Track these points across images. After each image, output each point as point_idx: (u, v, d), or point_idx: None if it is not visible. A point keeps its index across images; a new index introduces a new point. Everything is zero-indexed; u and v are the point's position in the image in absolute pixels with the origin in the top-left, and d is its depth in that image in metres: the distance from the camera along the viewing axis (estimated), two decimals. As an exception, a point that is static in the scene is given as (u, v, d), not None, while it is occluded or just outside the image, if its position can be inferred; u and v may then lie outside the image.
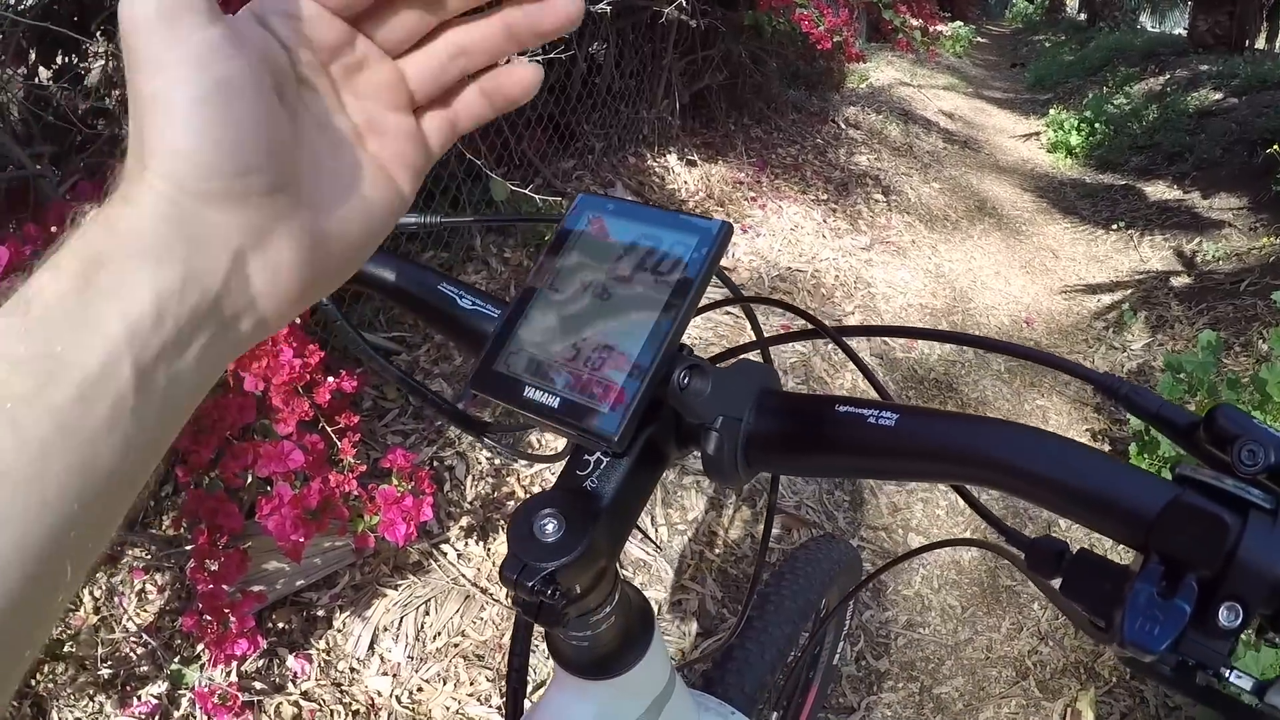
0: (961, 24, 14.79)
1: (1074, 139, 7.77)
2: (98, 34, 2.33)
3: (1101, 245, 5.62)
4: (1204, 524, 0.39)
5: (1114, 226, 5.80)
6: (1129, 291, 4.78)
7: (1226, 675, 0.39)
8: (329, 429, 1.74)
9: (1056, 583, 0.46)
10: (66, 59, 2.35)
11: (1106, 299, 4.78)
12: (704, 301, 0.61)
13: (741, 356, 0.56)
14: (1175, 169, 6.60)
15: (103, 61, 2.49)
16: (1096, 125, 7.85)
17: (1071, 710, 2.28)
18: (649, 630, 0.69)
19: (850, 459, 0.50)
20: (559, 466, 0.60)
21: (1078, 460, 0.43)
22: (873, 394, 0.61)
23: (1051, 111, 8.89)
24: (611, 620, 0.63)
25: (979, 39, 15.93)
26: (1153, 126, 7.58)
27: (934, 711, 2.26)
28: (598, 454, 0.56)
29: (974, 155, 7.42)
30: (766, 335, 0.68)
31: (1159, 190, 6.33)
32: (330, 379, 1.68)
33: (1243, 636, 0.39)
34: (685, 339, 0.54)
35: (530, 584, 0.50)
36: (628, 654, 0.67)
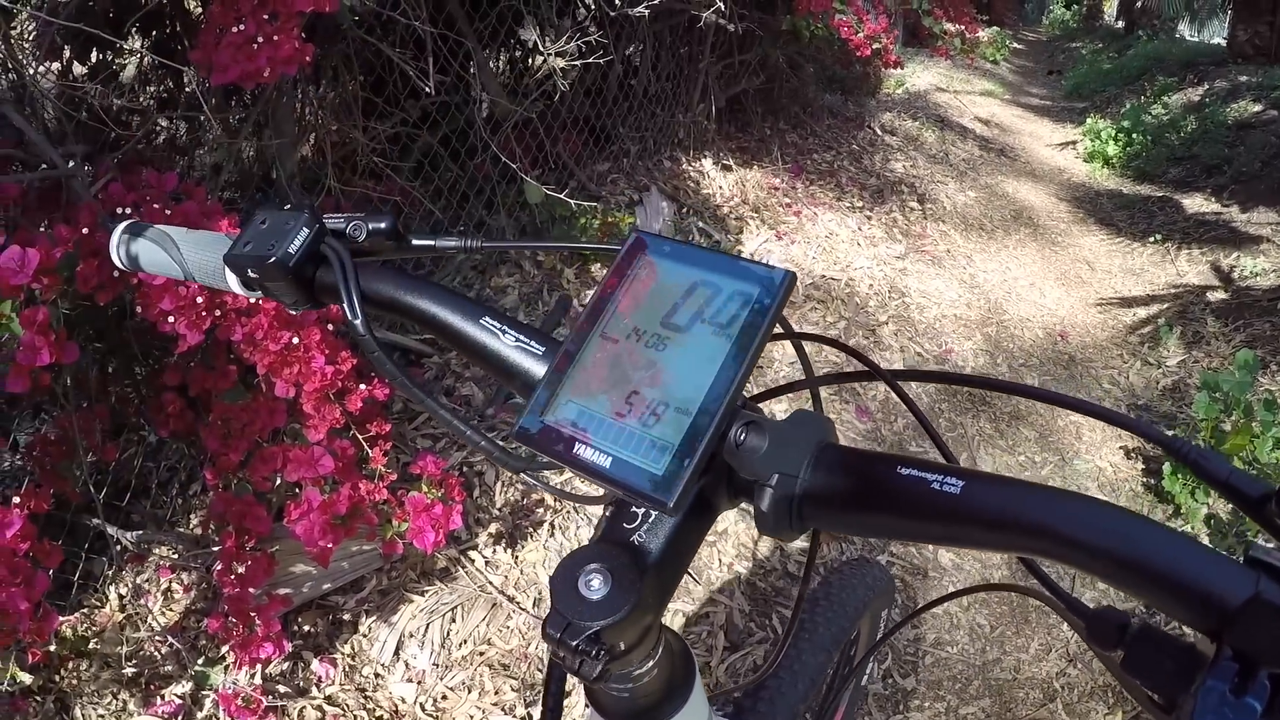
0: (998, 29, 14.70)
1: (1111, 149, 7.69)
2: (133, 31, 2.34)
3: (1137, 258, 5.56)
4: None
5: (1150, 239, 5.74)
6: (1165, 306, 4.73)
7: None
8: (360, 436, 1.73)
9: (1118, 655, 0.45)
10: (101, 56, 2.35)
11: (1142, 313, 4.73)
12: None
13: (798, 409, 0.53)
14: (1213, 181, 6.52)
15: (137, 59, 2.50)
16: (1134, 135, 7.76)
17: (1100, 735, 2.26)
18: (690, 678, 0.67)
19: (910, 524, 0.48)
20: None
21: (1156, 541, 0.40)
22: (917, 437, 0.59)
23: (1088, 120, 8.78)
24: (654, 673, 0.61)
25: (1016, 45, 15.82)
26: (1191, 138, 7.50)
27: (960, 732, 2.24)
28: (645, 507, 0.54)
29: (1010, 163, 7.36)
30: (820, 375, 0.66)
31: (1196, 203, 6.26)
32: (362, 386, 1.67)
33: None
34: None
35: (574, 644, 0.49)
36: (668, 704, 0.65)
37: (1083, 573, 0.43)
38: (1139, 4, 14.47)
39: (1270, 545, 0.41)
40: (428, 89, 2.57)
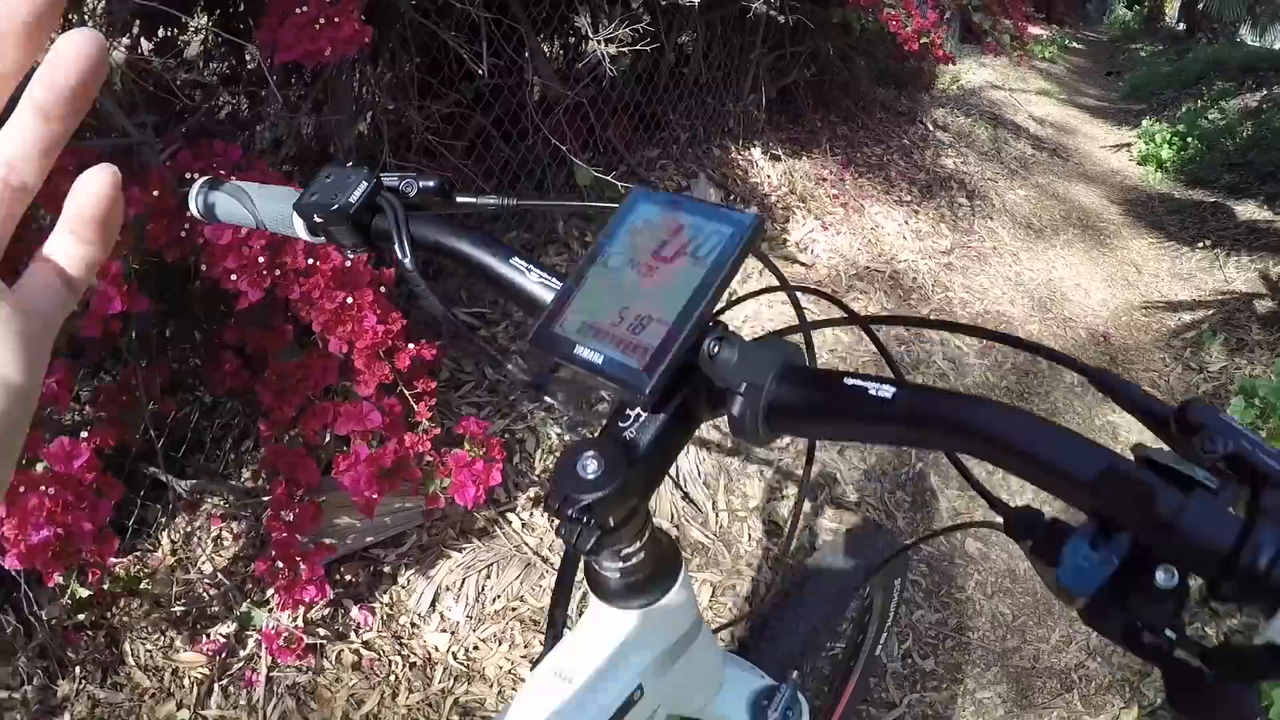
0: (1057, 28, 14.54)
1: (1165, 152, 7.62)
2: (199, 9, 2.44)
3: (1186, 263, 5.54)
4: (1132, 489, 0.44)
5: (1200, 244, 5.71)
6: (1210, 312, 4.72)
7: (1174, 638, 0.44)
8: (407, 393, 1.82)
9: (1029, 544, 0.52)
10: (168, 32, 2.45)
11: (1187, 317, 4.72)
12: (752, 289, 0.70)
13: (781, 337, 0.65)
14: (1267, 189, 6.47)
15: (201, 35, 2.61)
16: (1189, 140, 7.70)
17: (1114, 725, 2.29)
18: (675, 570, 0.79)
19: (854, 425, 0.57)
20: None
21: (1033, 430, 0.49)
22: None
23: (1144, 123, 8.70)
24: (642, 556, 0.73)
25: (1075, 44, 15.63)
26: (1246, 144, 7.43)
27: (975, 715, 2.29)
28: (638, 410, 0.65)
29: (1062, 164, 7.32)
30: (810, 321, 0.75)
31: (1249, 210, 6.21)
32: (411, 345, 1.77)
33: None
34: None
35: (570, 513, 0.60)
36: (655, 587, 0.77)
37: (985, 461, 0.51)
38: (1200, 6, 14.27)
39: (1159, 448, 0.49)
40: (481, 71, 2.66)
